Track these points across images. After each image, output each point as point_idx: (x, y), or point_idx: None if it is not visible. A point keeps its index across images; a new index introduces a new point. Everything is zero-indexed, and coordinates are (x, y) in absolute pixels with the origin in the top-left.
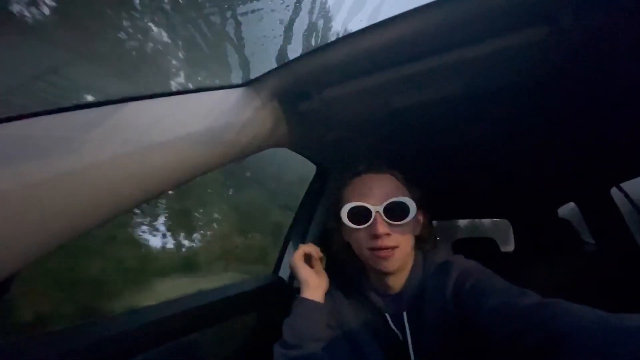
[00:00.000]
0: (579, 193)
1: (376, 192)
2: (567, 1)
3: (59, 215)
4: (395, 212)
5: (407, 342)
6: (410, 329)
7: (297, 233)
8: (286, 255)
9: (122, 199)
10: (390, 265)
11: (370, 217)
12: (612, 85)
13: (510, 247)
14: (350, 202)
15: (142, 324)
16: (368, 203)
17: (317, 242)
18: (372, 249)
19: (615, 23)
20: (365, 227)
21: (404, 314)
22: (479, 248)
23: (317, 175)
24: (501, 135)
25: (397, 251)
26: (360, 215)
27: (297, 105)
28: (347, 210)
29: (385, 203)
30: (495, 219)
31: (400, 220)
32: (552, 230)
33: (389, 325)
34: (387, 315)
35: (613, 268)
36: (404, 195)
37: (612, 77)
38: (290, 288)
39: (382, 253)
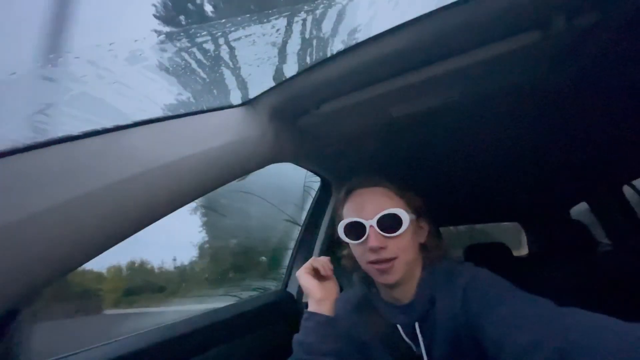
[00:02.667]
0: (591, 192)
1: (368, 206)
2: (559, 4)
3: (68, 241)
4: (389, 224)
5: (420, 353)
6: (423, 339)
7: (304, 246)
8: (294, 270)
9: (129, 222)
10: (391, 277)
11: (365, 231)
12: (612, 84)
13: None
14: (347, 218)
15: (152, 344)
16: (361, 217)
17: (325, 254)
18: (372, 263)
19: (608, 22)
20: (361, 242)
21: (416, 324)
22: (491, 253)
23: (322, 187)
24: (507, 139)
25: (397, 262)
26: (356, 230)
27: (297, 120)
28: (342, 227)
29: (377, 216)
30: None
31: (394, 232)
32: (565, 232)
33: (401, 336)
34: (398, 326)
35: (630, 267)
36: (397, 206)
37: (610, 75)
38: (299, 303)
39: (382, 266)
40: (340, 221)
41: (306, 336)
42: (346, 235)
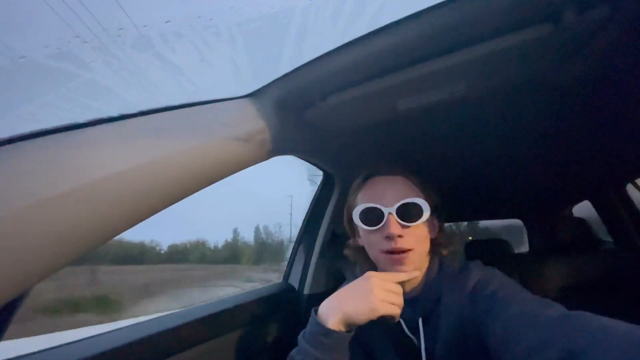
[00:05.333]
0: (594, 191)
1: (389, 194)
2: None
3: (72, 229)
4: (408, 213)
5: (420, 347)
6: (424, 335)
7: (306, 239)
8: (295, 262)
9: (132, 213)
10: (404, 268)
11: (383, 218)
12: (621, 80)
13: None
14: (363, 204)
15: (152, 334)
16: (380, 204)
17: (327, 248)
18: (386, 252)
19: (620, 16)
20: (377, 229)
21: (420, 320)
22: (492, 250)
23: (324, 181)
24: (510, 135)
25: (412, 254)
26: (373, 216)
27: (302, 113)
28: (359, 212)
29: (398, 204)
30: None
31: (413, 222)
32: (568, 230)
33: (403, 330)
34: (401, 320)
35: (632, 266)
36: (417, 197)
37: (619, 71)
38: (301, 294)
39: (396, 256)
40: (353, 207)
41: (322, 353)
42: (362, 221)
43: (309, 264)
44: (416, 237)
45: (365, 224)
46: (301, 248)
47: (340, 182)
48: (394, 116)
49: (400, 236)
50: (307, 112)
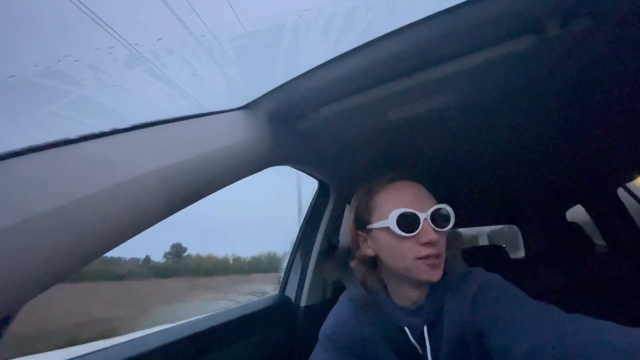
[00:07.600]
0: (586, 195)
1: (421, 199)
2: (553, 9)
3: (66, 245)
4: (439, 219)
5: (426, 356)
6: (430, 343)
7: (302, 250)
8: (291, 274)
9: (127, 226)
10: (437, 274)
11: (419, 224)
12: (606, 87)
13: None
14: (397, 208)
15: (149, 349)
16: (415, 209)
17: (323, 257)
18: (422, 258)
19: (603, 26)
20: (413, 235)
21: (425, 328)
22: (488, 256)
23: (319, 191)
24: (503, 142)
25: (441, 260)
26: (408, 222)
27: (295, 124)
28: (396, 217)
29: (431, 210)
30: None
31: (444, 227)
32: (562, 234)
33: (409, 338)
34: (406, 328)
35: (625, 269)
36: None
37: (604, 78)
38: (297, 307)
39: (436, 262)
40: (374, 212)
41: None
42: (398, 226)
43: (305, 275)
44: (444, 243)
45: (401, 230)
46: (297, 259)
47: (335, 191)
48: (387, 126)
49: (436, 242)
50: (300, 123)
